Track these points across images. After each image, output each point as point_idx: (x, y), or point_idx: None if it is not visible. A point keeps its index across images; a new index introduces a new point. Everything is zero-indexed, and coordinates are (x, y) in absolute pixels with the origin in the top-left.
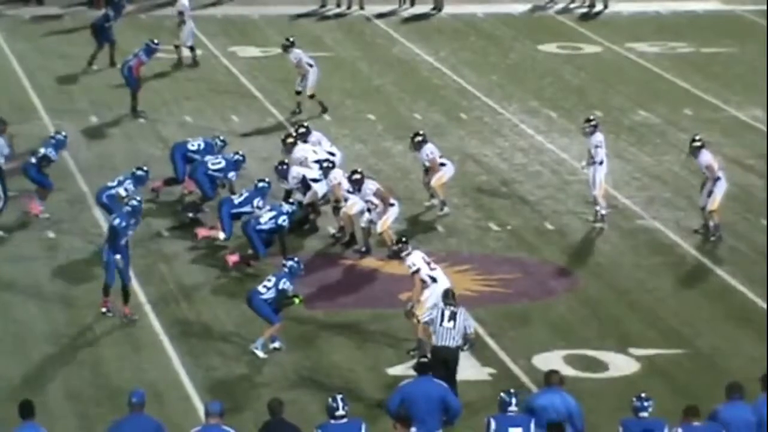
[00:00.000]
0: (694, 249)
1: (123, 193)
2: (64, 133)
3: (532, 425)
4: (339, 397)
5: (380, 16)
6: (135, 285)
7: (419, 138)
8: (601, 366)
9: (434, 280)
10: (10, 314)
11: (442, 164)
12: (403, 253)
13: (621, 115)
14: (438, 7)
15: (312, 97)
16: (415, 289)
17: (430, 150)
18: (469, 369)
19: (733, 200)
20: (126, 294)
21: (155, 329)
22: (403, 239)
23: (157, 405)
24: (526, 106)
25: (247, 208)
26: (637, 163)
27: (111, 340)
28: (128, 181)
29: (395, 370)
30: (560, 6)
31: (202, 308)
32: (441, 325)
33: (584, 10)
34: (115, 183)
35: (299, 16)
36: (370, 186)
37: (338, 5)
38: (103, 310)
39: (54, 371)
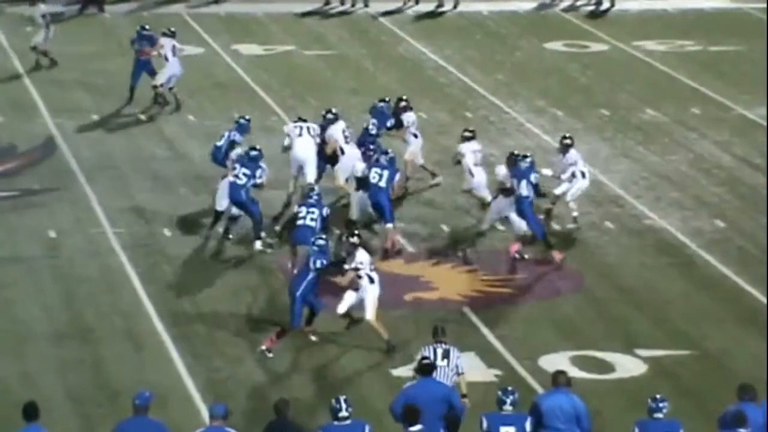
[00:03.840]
0: (701, 249)
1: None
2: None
3: (527, 424)
4: (342, 398)
5: (386, 14)
6: (136, 285)
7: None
8: (608, 367)
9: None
10: (10, 313)
11: (415, 135)
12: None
13: (628, 113)
14: (441, 4)
15: None
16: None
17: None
18: (474, 370)
19: (741, 199)
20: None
21: (157, 329)
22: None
23: (159, 407)
24: (532, 104)
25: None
26: (644, 163)
27: (112, 341)
28: (234, 133)
29: (399, 372)
30: (567, 4)
31: (205, 308)
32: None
33: (591, 8)
34: (221, 141)
35: (304, 14)
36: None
37: (342, 3)
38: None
39: (55, 371)
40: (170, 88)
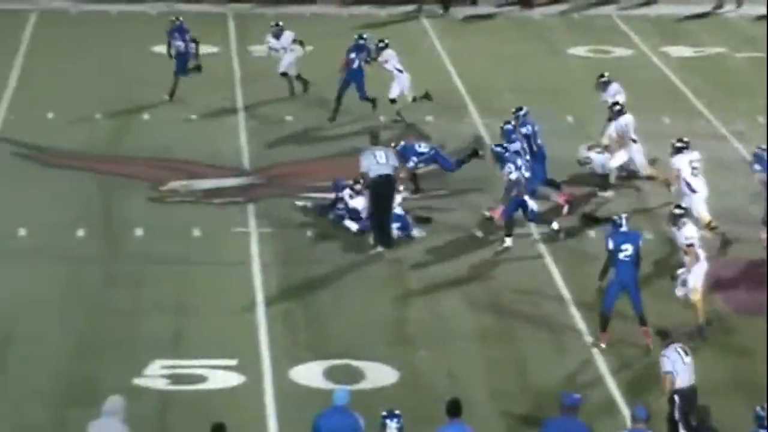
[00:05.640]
0: None
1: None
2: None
3: None
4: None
5: None
6: (560, 285)
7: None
8: None
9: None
10: (436, 310)
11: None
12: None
13: None
14: None
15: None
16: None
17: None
18: None
19: None
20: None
21: (580, 330)
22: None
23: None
24: None
25: None
26: None
27: (534, 341)
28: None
29: None
30: None
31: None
32: (684, 363)
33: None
34: None
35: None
36: None
37: None
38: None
39: (479, 370)
40: (414, 99)
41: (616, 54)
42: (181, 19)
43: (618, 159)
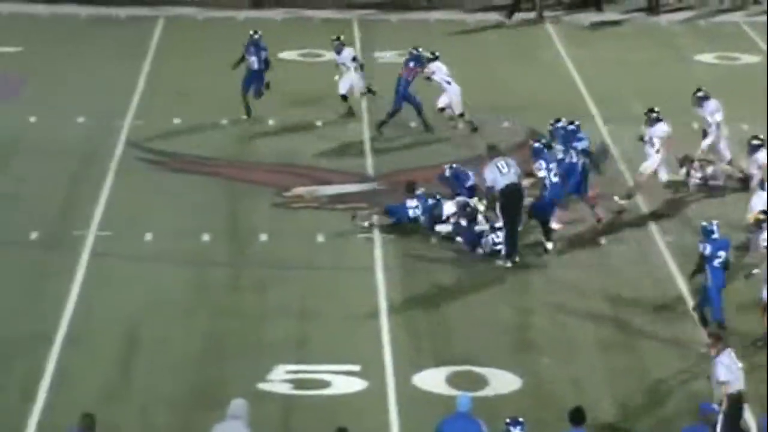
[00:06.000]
0: None
1: None
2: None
3: None
4: None
5: None
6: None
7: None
8: None
9: None
10: (558, 319)
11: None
12: None
13: None
14: None
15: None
16: None
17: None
18: None
19: None
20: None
21: (702, 338)
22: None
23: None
24: None
25: None
26: None
27: (657, 350)
28: None
29: None
30: None
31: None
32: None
33: None
34: None
35: None
36: None
37: None
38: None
39: (602, 379)
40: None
41: (744, 61)
42: (259, 33)
43: (650, 164)
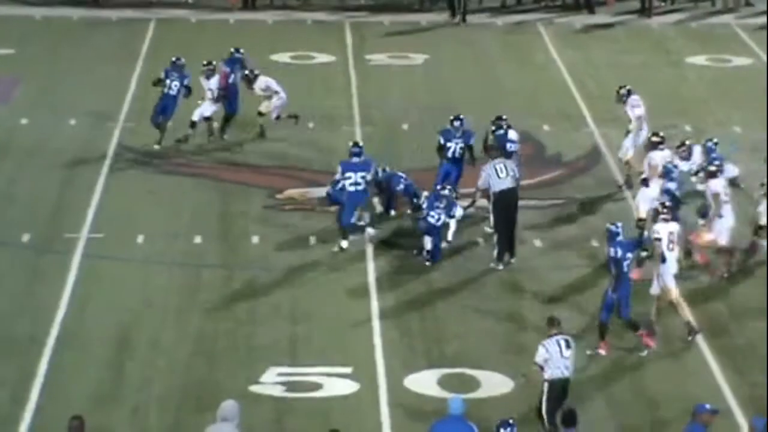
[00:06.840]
0: None
1: None
2: None
3: None
4: None
5: None
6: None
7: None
8: None
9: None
10: None
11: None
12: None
13: None
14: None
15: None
16: None
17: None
18: None
19: None
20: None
21: (699, 346)
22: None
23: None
24: None
25: None
26: None
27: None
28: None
29: None
30: None
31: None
32: (562, 356)
33: None
34: None
35: None
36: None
37: None
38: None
39: (594, 379)
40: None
41: (736, 63)
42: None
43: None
